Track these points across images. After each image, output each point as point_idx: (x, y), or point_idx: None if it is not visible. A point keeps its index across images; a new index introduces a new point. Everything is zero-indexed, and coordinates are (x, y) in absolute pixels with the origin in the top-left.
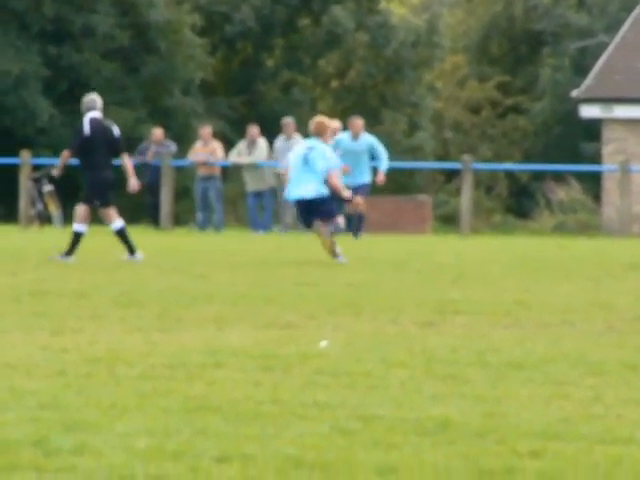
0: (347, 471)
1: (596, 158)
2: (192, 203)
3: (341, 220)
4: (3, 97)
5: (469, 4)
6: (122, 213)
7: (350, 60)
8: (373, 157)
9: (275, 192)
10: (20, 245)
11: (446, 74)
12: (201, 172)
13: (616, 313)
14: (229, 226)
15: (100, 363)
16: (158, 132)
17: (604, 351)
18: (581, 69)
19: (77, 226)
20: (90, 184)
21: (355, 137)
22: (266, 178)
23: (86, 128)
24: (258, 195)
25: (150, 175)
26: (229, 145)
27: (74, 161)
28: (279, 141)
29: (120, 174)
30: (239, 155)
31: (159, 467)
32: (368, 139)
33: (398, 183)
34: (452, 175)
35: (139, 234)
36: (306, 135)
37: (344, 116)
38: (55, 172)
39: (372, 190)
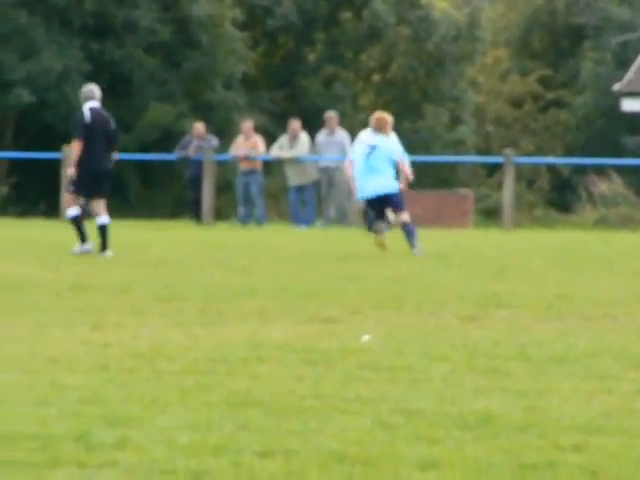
0: (389, 465)
1: (638, 152)
2: (234, 198)
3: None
4: (45, 93)
5: None
6: (164, 208)
7: (391, 54)
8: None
9: (317, 186)
10: (62, 240)
11: (488, 68)
12: (243, 166)
13: None
14: (271, 220)
15: (142, 358)
16: (200, 126)
17: None
18: (622, 63)
19: (70, 212)
20: (83, 174)
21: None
22: (308, 172)
23: (87, 117)
24: (300, 189)
25: (192, 170)
26: (271, 139)
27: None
28: (321, 135)
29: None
30: (281, 149)
31: (201, 462)
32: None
33: (440, 177)
34: (494, 169)
35: (181, 229)
36: (348, 129)
37: (386, 110)
38: (70, 171)
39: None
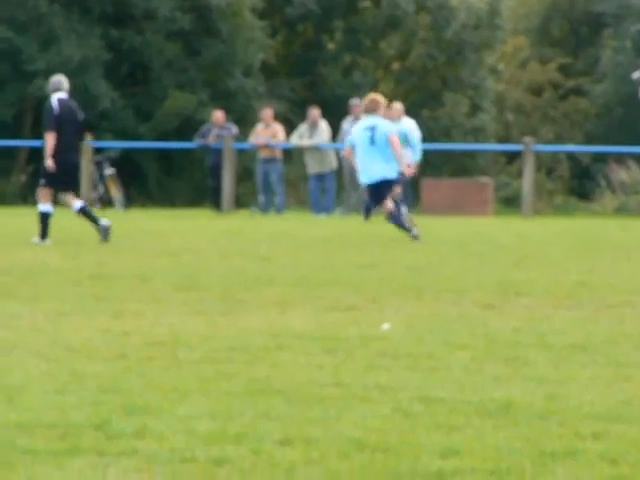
0: (409, 453)
1: None
2: (253, 186)
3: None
4: None
5: None
6: (184, 196)
7: (411, 42)
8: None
9: (337, 174)
10: (81, 228)
11: (507, 56)
12: (262, 155)
13: None
14: (291, 209)
15: (162, 346)
16: (219, 115)
17: None
18: None
19: (42, 207)
20: (54, 166)
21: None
22: (328, 160)
23: (55, 108)
24: (320, 177)
25: (212, 158)
26: (290, 127)
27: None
28: (346, 123)
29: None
30: (300, 137)
31: (221, 450)
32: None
33: (460, 165)
34: (514, 157)
35: (201, 217)
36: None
37: (405, 98)
38: (48, 163)
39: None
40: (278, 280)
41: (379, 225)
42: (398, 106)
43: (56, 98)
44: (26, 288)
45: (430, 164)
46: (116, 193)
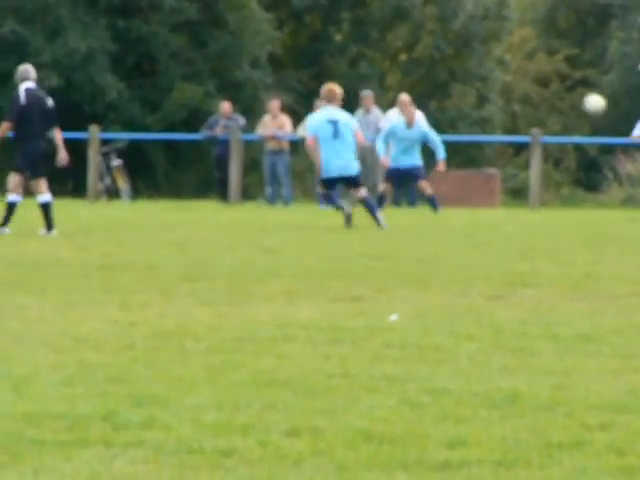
0: (416, 444)
1: None
2: (260, 177)
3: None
4: (71, 73)
5: None
6: (191, 188)
7: (418, 33)
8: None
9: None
10: (88, 219)
11: (514, 47)
12: (270, 146)
13: None
14: (298, 200)
15: (169, 337)
16: (226, 106)
17: None
18: None
19: (10, 197)
20: (23, 154)
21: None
22: None
23: (22, 98)
24: None
25: (219, 149)
26: (297, 119)
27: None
28: (358, 114)
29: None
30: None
31: (228, 441)
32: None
33: (467, 156)
34: (521, 148)
35: (208, 209)
36: (381, 108)
37: (413, 90)
38: None
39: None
40: (285, 271)
41: (387, 217)
42: (406, 97)
43: (23, 88)
44: (34, 279)
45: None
46: (123, 184)
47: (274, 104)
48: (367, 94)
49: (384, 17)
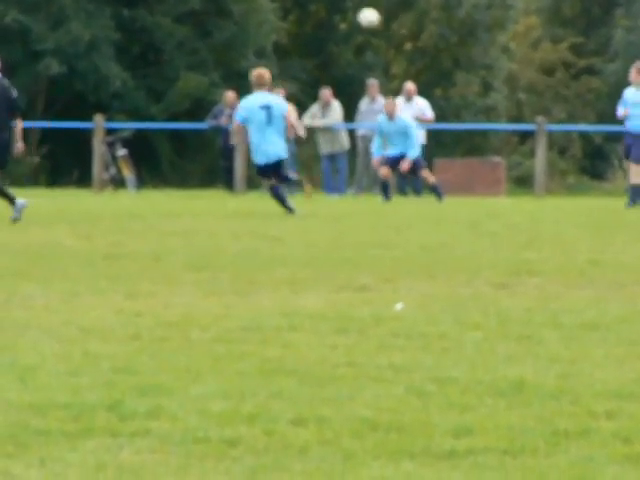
0: (423, 433)
1: None
2: None
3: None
4: (75, 62)
5: None
6: (196, 177)
7: (423, 22)
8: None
9: (349, 155)
10: (94, 209)
11: (519, 36)
12: None
13: None
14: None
15: (174, 327)
16: (231, 95)
17: None
18: None
19: None
20: None
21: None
22: (340, 141)
23: None
24: (332, 158)
25: (224, 139)
26: (303, 108)
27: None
28: (364, 103)
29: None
30: (313, 118)
31: (234, 430)
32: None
33: (472, 145)
34: (526, 137)
35: (213, 198)
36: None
37: (418, 78)
38: None
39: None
40: (290, 260)
41: (392, 205)
42: (410, 86)
43: None
44: (39, 269)
45: (442, 144)
46: (128, 174)
47: (279, 93)
48: (372, 83)
49: (389, 6)
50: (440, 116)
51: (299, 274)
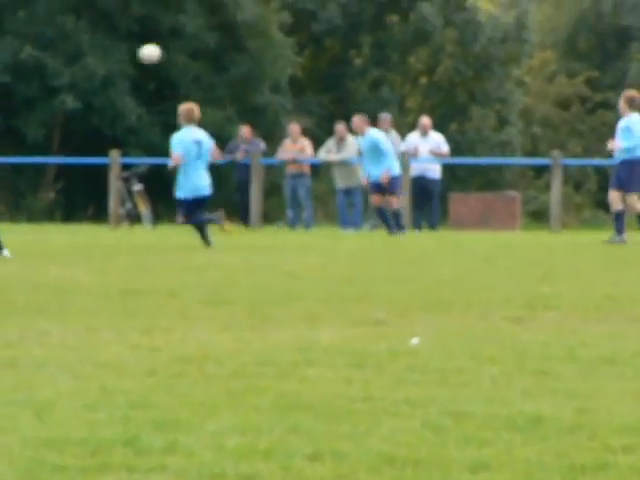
0: (439, 468)
1: None
2: (281, 201)
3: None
4: (91, 97)
5: (557, 0)
6: (212, 212)
7: (438, 57)
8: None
9: (365, 189)
10: (110, 244)
11: (535, 70)
12: (290, 170)
13: None
14: (319, 224)
15: (190, 362)
16: (246, 130)
17: None
18: None
19: None
20: None
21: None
22: (355, 175)
23: None
24: (347, 192)
25: (239, 174)
26: (318, 142)
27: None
28: None
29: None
30: (328, 152)
31: (250, 466)
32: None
33: (487, 179)
34: (541, 171)
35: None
36: (399, 130)
37: (433, 113)
38: None
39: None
40: (306, 295)
41: (406, 240)
42: (425, 120)
43: None
44: (55, 305)
45: (458, 178)
46: (144, 209)
47: (294, 128)
48: (385, 117)
49: (404, 40)
50: (455, 150)
51: (315, 309)
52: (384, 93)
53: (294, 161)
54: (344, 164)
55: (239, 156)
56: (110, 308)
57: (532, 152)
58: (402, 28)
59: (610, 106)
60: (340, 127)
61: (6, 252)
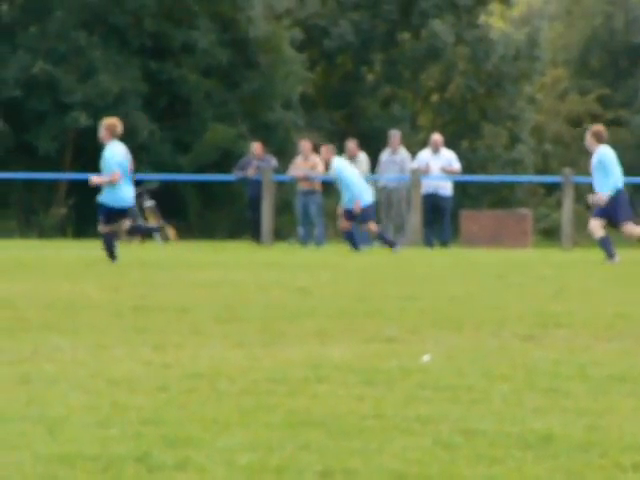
0: None
1: None
2: (293, 218)
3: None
4: (103, 114)
5: (569, 17)
6: (223, 229)
7: (450, 74)
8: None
9: (376, 206)
10: (121, 260)
11: (546, 87)
12: (302, 187)
13: None
14: (330, 241)
15: (202, 378)
16: (258, 147)
17: None
18: None
19: None
20: None
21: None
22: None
23: None
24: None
25: (251, 190)
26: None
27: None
28: (385, 154)
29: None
30: None
31: None
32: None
33: (499, 196)
34: (553, 188)
35: (241, 249)
36: (407, 149)
37: (445, 130)
38: None
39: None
40: (318, 312)
41: (417, 257)
42: (437, 137)
43: None
44: (67, 321)
45: (469, 196)
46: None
47: (306, 145)
48: (394, 134)
49: (416, 57)
50: (467, 168)
51: (326, 325)
52: (395, 110)
53: (305, 178)
54: None
55: (251, 173)
56: (122, 324)
57: (543, 170)
58: (414, 45)
59: (622, 123)
60: (351, 145)
61: None
